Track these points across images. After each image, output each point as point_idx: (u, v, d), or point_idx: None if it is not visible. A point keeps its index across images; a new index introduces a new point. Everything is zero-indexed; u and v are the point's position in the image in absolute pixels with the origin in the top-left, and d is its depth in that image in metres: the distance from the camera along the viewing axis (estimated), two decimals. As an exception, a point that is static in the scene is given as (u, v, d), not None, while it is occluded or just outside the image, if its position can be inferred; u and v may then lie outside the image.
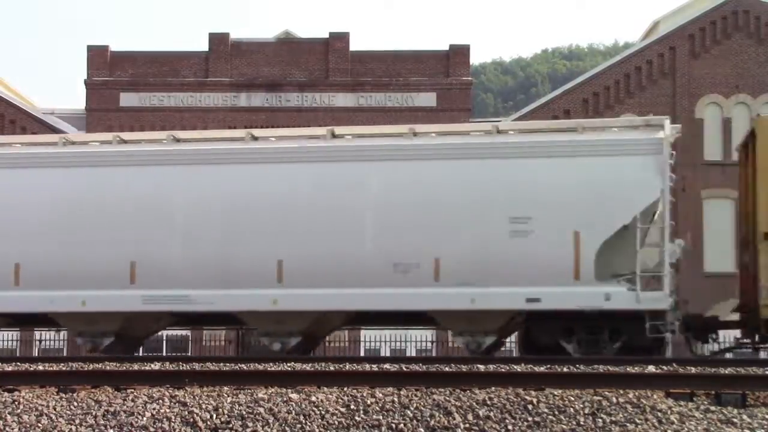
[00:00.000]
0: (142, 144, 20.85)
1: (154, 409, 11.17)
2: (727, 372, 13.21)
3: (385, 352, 36.41)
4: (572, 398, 11.12)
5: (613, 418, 10.56)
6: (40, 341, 37.22)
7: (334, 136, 20.05)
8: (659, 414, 10.65)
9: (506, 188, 18.98)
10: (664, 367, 13.81)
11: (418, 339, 36.93)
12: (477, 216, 18.91)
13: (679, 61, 43.95)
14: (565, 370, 13.62)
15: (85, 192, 20.08)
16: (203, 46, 45.02)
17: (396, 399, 11.23)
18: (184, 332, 36.77)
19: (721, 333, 20.61)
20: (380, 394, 11.43)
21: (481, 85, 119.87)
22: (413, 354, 35.81)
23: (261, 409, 10.98)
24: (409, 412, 10.85)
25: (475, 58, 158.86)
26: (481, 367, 13.90)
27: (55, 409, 11.31)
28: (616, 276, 18.79)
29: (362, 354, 35.89)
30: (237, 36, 44.93)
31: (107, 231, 19.81)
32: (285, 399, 11.31)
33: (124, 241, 19.71)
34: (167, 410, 11.11)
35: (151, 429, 10.72)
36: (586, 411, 10.74)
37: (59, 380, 12.59)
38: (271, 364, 14.58)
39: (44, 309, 20.07)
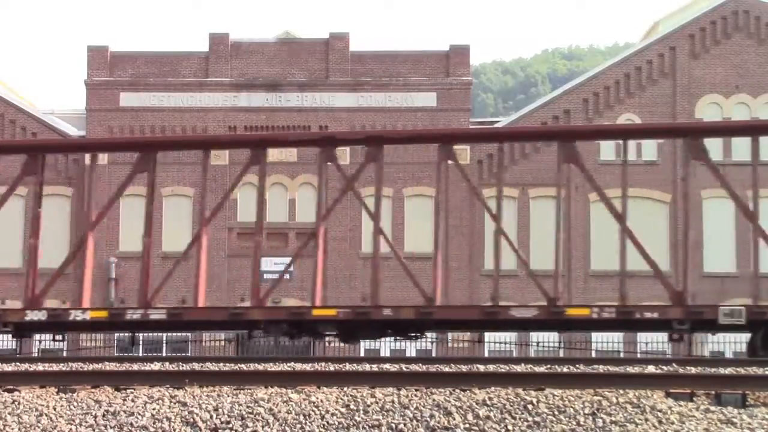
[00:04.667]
0: None
1: (154, 409, 11.16)
2: (727, 372, 13.21)
3: (385, 352, 36.40)
4: (572, 398, 11.11)
5: (613, 418, 10.56)
6: (40, 341, 37.19)
7: None
8: (659, 414, 10.65)
9: None
10: (664, 367, 13.81)
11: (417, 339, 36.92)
12: None
13: (679, 61, 43.97)
14: (565, 370, 13.62)
15: None
16: (203, 46, 45.08)
17: (396, 399, 11.23)
18: (184, 333, 36.81)
19: None
20: (380, 394, 11.42)
21: (481, 85, 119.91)
22: (413, 354, 35.79)
23: (261, 409, 10.98)
24: (409, 412, 10.84)
25: (475, 58, 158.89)
26: (481, 367, 13.90)
27: (55, 409, 11.30)
28: None
29: (362, 354, 35.87)
30: (237, 36, 44.94)
31: None
32: (285, 399, 11.30)
33: None
34: (167, 410, 11.11)
35: (151, 429, 10.72)
36: (586, 411, 10.74)
37: (59, 380, 12.58)
38: (271, 364, 14.58)
39: None
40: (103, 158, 42.29)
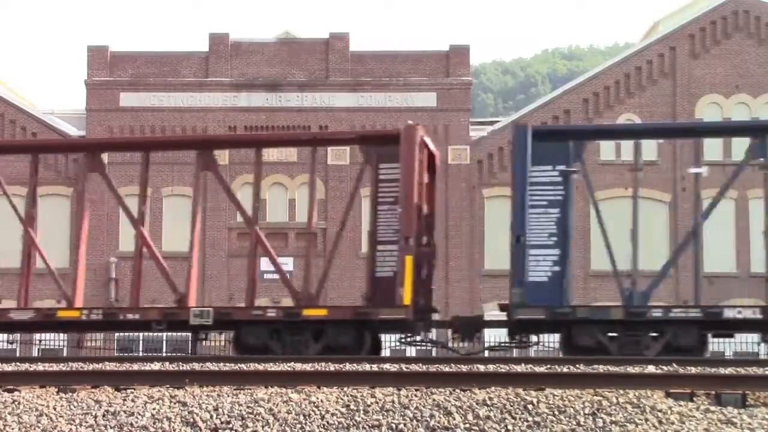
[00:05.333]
0: None
1: (154, 409, 11.17)
2: (727, 372, 13.21)
3: (385, 352, 36.34)
4: (572, 398, 11.11)
5: (613, 418, 10.56)
6: (40, 341, 37.21)
7: None
8: (659, 414, 10.65)
9: None
10: (664, 367, 13.82)
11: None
12: None
13: (679, 61, 43.96)
14: (565, 370, 13.62)
15: None
16: (203, 46, 45.08)
17: (396, 399, 11.23)
18: (184, 332, 36.83)
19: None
20: (380, 394, 11.43)
21: (481, 85, 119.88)
22: (413, 354, 35.77)
23: (261, 409, 10.98)
24: (409, 412, 10.84)
25: (475, 58, 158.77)
26: (481, 367, 13.91)
27: (55, 409, 11.30)
28: None
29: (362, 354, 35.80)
30: (237, 36, 44.93)
31: None
32: (285, 399, 11.31)
33: None
34: (167, 410, 11.11)
35: (151, 429, 10.72)
36: (586, 411, 10.74)
37: (59, 380, 12.59)
38: (271, 364, 14.59)
39: None
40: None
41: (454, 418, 10.64)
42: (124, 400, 11.56)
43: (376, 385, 11.89)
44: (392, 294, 19.39)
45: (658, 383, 11.86)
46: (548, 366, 14.08)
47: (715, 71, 43.87)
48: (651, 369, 13.65)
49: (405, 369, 13.66)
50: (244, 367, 14.14)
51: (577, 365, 14.16)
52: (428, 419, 10.66)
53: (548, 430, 10.41)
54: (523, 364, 14.32)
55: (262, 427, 10.63)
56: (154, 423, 10.81)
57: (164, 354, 31.10)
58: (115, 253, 42.18)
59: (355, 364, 14.37)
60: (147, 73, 44.27)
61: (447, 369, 13.63)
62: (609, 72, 44.53)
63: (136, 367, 14.16)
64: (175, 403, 11.31)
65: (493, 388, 11.57)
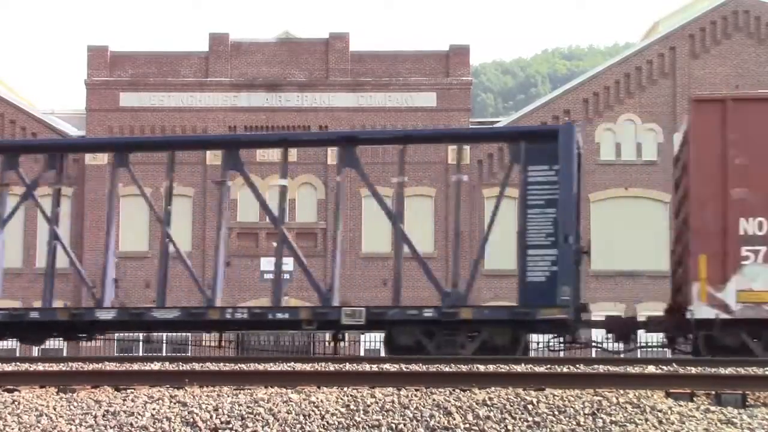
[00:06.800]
0: None
1: (154, 409, 11.17)
2: (727, 372, 13.21)
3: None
4: (572, 398, 11.11)
5: (613, 418, 10.56)
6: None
7: None
8: (659, 414, 10.65)
9: None
10: (664, 367, 13.81)
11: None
12: None
13: (679, 61, 43.97)
14: (565, 370, 13.62)
15: None
16: (203, 46, 45.08)
17: (396, 399, 11.23)
18: (184, 333, 36.80)
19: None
20: (380, 394, 11.43)
21: (481, 85, 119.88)
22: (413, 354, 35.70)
23: (261, 409, 10.98)
24: (409, 412, 10.84)
25: (475, 58, 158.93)
26: (481, 367, 13.91)
27: (55, 409, 11.30)
28: None
29: (362, 354, 35.84)
30: (237, 36, 44.94)
31: None
32: (285, 399, 11.31)
33: None
34: (167, 410, 11.11)
35: (151, 429, 10.72)
36: (586, 411, 10.75)
37: (59, 380, 12.59)
38: (271, 364, 14.58)
39: None
40: (103, 158, 42.32)
41: (454, 418, 10.64)
42: (124, 400, 11.56)
43: (376, 385, 11.89)
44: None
45: (658, 383, 11.86)
46: (548, 366, 14.08)
47: (715, 71, 43.88)
48: (651, 369, 13.65)
49: (405, 369, 13.66)
50: (244, 367, 14.14)
51: (577, 365, 14.15)
52: (428, 419, 10.66)
53: (548, 430, 10.41)
54: (523, 364, 14.31)
55: (262, 427, 10.63)
56: (154, 423, 10.81)
57: (164, 354, 31.10)
58: (115, 253, 42.10)
59: (355, 364, 14.37)
60: (147, 73, 44.27)
61: (447, 369, 13.63)
62: (609, 72, 44.55)
63: (136, 367, 14.16)
64: (175, 403, 11.31)
65: (493, 388, 11.57)
